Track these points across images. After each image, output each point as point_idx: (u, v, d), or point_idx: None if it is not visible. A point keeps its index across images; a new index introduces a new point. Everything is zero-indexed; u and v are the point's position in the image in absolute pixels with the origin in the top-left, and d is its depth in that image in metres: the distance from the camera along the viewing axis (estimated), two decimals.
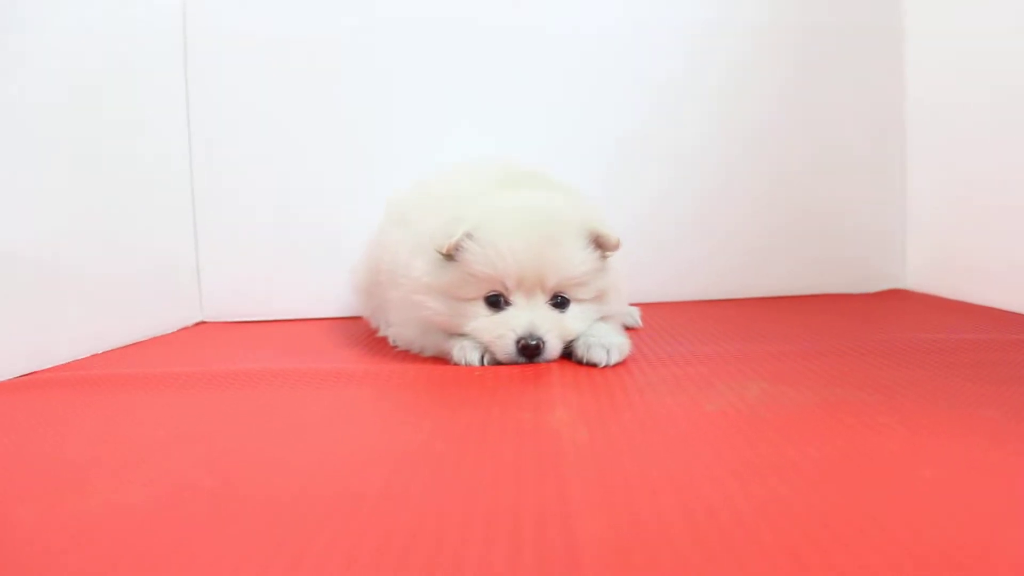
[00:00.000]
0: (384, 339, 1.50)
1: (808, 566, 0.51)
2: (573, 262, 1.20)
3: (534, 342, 1.17)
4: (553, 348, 1.19)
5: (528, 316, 1.18)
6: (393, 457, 0.78)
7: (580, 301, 1.24)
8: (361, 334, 1.60)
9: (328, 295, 1.87)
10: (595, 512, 0.62)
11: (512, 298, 1.20)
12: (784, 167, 1.97)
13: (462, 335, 1.23)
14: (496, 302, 1.20)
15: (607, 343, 1.19)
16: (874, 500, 0.63)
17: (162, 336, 1.66)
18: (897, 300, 1.87)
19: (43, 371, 1.26)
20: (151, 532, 0.61)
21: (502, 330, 1.18)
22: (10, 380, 1.20)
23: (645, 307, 1.64)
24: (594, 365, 1.18)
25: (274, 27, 1.84)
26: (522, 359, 1.18)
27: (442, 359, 1.26)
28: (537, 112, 1.91)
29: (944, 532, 0.56)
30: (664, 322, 1.61)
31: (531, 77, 1.90)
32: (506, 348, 1.18)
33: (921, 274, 1.95)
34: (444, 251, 1.19)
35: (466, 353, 1.21)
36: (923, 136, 1.92)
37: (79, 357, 1.38)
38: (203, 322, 1.85)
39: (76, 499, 0.68)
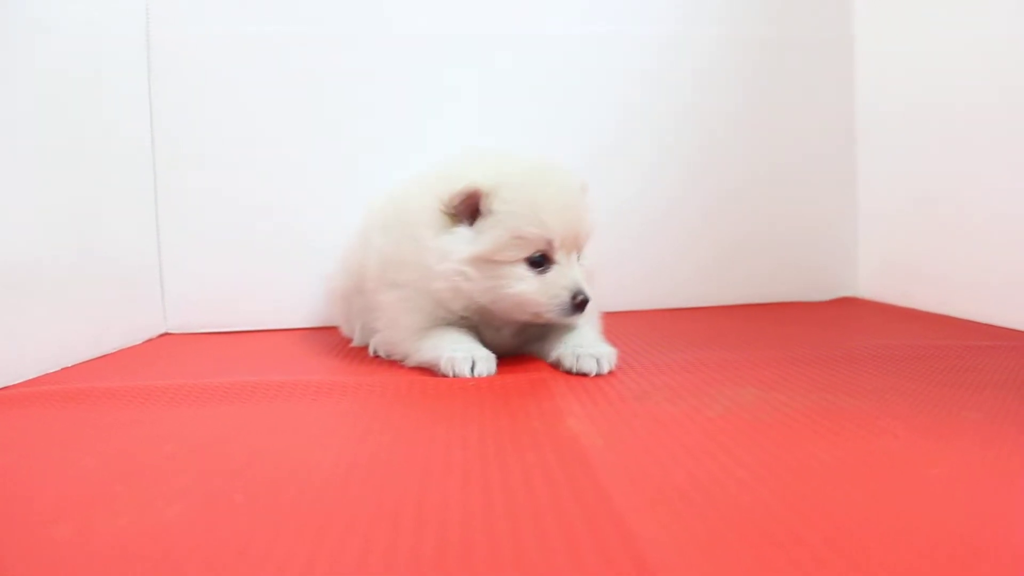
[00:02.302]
0: (362, 350, 1.50)
1: (855, 561, 0.55)
2: (592, 216, 1.29)
3: (583, 297, 1.22)
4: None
5: (574, 272, 1.24)
6: (417, 468, 0.79)
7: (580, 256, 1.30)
8: (334, 345, 1.59)
9: (297, 305, 1.84)
10: (644, 513, 0.64)
11: (557, 256, 1.23)
12: (738, 179, 2.04)
13: (456, 341, 1.24)
14: (540, 262, 1.23)
15: (596, 352, 1.22)
16: (894, 498, 0.67)
17: (129, 348, 1.61)
18: (851, 307, 1.95)
19: (16, 385, 1.22)
20: (199, 548, 0.61)
21: (555, 290, 1.22)
22: None
23: (604, 316, 1.66)
24: (584, 375, 1.20)
25: (239, 29, 1.81)
26: (575, 315, 1.23)
27: (427, 371, 1.26)
28: (504, 125, 1.93)
29: (964, 526, 0.61)
30: (630, 331, 1.65)
31: (498, 90, 1.92)
32: (563, 307, 1.22)
33: (872, 282, 2.04)
34: (447, 201, 1.21)
35: (454, 365, 1.20)
36: (874, 147, 2.01)
37: (49, 371, 1.34)
38: (167, 333, 1.80)
39: (109, 517, 0.66)
